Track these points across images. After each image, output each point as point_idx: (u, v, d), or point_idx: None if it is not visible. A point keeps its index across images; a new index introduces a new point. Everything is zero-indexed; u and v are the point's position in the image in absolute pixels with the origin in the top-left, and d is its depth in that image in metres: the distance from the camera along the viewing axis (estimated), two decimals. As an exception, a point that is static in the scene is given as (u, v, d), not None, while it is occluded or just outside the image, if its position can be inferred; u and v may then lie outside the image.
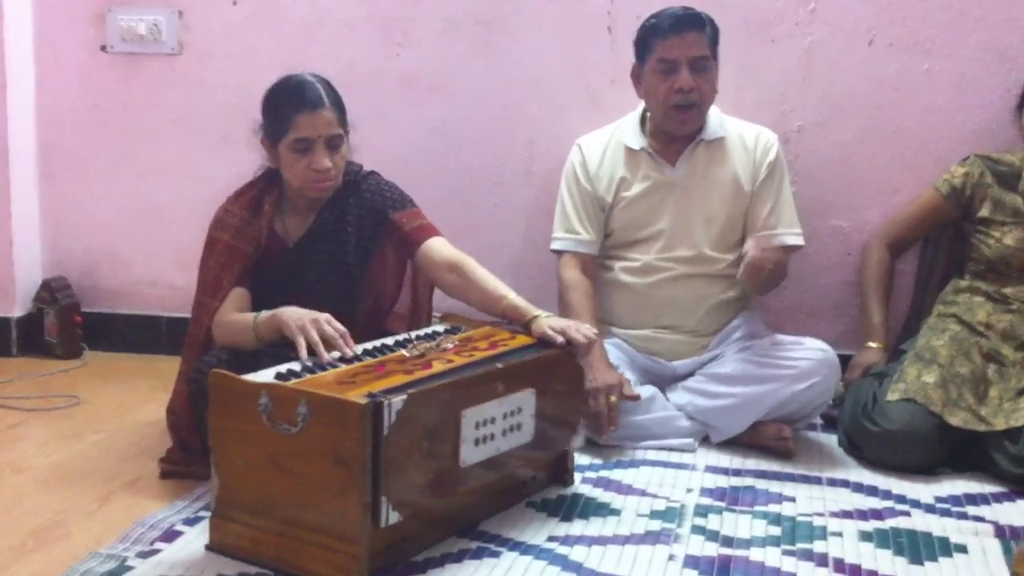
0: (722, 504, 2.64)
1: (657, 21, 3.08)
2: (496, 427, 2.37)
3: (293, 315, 2.49)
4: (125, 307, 3.96)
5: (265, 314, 2.56)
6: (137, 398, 3.38)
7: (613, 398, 2.90)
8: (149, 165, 3.89)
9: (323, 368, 2.34)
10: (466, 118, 3.68)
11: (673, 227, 3.16)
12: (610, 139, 3.25)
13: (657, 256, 3.16)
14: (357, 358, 2.42)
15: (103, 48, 3.83)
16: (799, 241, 3.20)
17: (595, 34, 3.54)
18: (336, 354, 2.41)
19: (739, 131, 3.22)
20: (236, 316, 2.66)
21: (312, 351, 2.39)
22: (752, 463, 2.93)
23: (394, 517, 2.13)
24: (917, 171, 3.43)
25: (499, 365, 2.41)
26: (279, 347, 2.48)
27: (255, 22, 3.74)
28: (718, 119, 3.20)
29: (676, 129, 3.14)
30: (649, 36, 3.09)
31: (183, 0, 3.78)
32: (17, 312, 3.88)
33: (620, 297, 3.21)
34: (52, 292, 3.87)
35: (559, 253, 3.24)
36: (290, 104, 2.71)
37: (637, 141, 3.20)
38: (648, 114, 3.22)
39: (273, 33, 3.72)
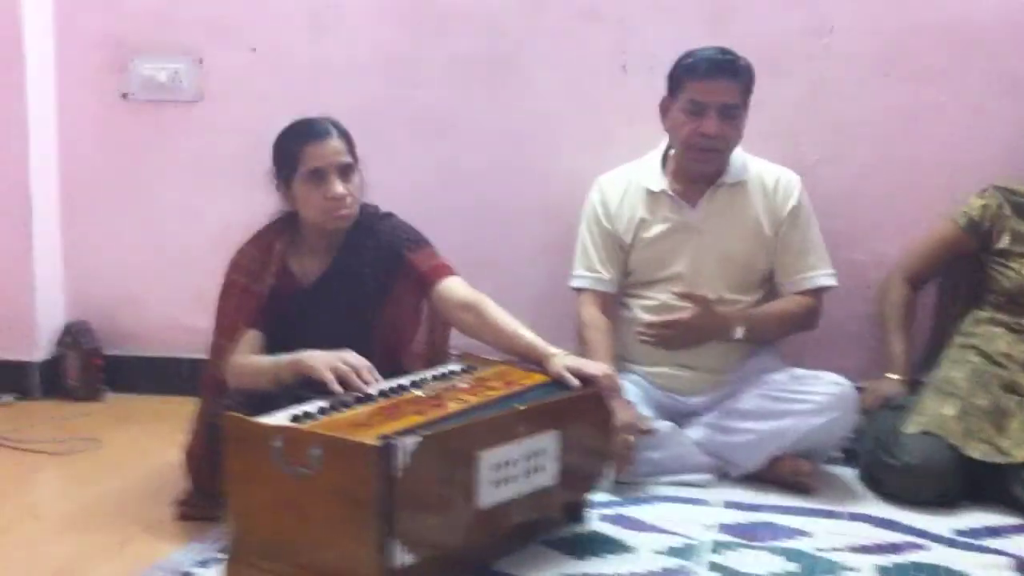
0: (740, 540, 2.62)
1: (694, 61, 3.06)
2: (517, 469, 2.35)
3: (317, 357, 2.49)
4: (146, 350, 3.99)
5: (286, 359, 2.56)
6: (157, 440, 3.37)
7: (631, 437, 2.88)
8: (170, 210, 3.93)
9: (349, 403, 2.35)
10: (479, 157, 3.70)
11: (691, 269, 3.15)
12: (630, 179, 3.24)
13: (675, 296, 3.14)
14: (382, 394, 2.42)
15: (124, 96, 3.88)
16: (832, 282, 3.21)
17: (609, 73, 3.57)
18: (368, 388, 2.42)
19: (760, 174, 3.20)
20: (252, 359, 2.67)
21: (343, 383, 2.41)
22: (770, 498, 2.91)
23: (407, 559, 2.12)
24: (934, 203, 3.41)
25: (520, 407, 2.39)
26: (297, 388, 2.49)
27: (273, 68, 3.79)
28: (741, 161, 3.19)
29: (695, 168, 3.14)
30: (683, 74, 3.08)
31: (203, 48, 3.83)
32: (39, 356, 3.91)
33: (638, 334, 3.20)
34: (74, 336, 3.90)
35: (578, 291, 3.25)
36: (298, 139, 2.76)
37: (657, 183, 3.20)
38: (670, 153, 3.22)
39: (290, 78, 3.76)
